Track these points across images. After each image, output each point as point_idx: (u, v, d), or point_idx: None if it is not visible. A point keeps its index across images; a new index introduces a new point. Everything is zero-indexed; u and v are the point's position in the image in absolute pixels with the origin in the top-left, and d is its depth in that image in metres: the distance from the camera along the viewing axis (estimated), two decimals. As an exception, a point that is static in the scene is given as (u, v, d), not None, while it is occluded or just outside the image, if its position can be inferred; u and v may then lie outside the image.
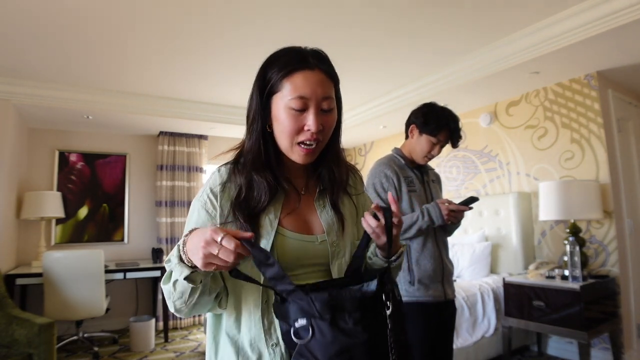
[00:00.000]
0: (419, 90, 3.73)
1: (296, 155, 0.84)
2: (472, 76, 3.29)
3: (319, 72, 0.83)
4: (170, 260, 0.76)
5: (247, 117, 0.89)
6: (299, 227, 0.88)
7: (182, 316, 0.85)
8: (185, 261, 0.72)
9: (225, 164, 0.92)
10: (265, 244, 0.82)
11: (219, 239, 0.64)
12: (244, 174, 0.86)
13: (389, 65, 3.40)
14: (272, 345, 0.80)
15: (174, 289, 0.76)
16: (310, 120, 0.81)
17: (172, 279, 0.76)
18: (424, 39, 2.92)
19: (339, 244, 0.88)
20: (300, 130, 0.82)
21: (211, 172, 0.93)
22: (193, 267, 0.72)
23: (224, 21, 2.59)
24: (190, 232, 0.72)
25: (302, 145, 0.83)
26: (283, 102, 0.82)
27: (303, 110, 0.81)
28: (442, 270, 1.78)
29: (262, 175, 0.85)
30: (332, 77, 0.86)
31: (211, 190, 0.87)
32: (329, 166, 0.92)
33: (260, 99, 0.86)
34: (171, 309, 0.81)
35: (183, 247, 0.72)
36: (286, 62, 0.83)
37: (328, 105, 0.83)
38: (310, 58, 0.83)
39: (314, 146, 0.83)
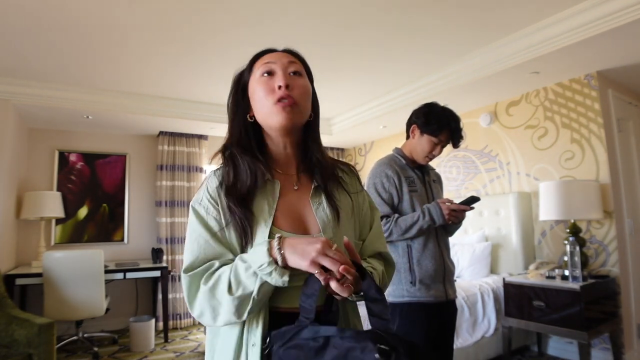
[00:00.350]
0: (419, 90, 3.73)
1: (275, 115, 0.87)
2: (472, 76, 3.29)
3: (286, 53, 0.94)
4: (237, 273, 0.78)
5: (228, 111, 0.96)
6: (295, 226, 0.87)
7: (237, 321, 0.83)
8: (283, 265, 0.76)
9: (219, 167, 0.93)
10: None
11: (332, 246, 0.75)
12: (230, 163, 0.90)
13: (389, 65, 3.40)
14: (252, 345, 0.80)
15: (258, 295, 0.77)
16: (278, 77, 0.88)
17: (256, 286, 0.76)
18: (424, 39, 2.92)
19: (335, 242, 0.87)
20: (272, 90, 0.88)
21: (209, 173, 0.95)
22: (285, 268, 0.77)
23: (224, 21, 2.59)
24: (283, 242, 0.77)
25: (278, 103, 0.87)
26: (255, 78, 0.91)
27: (271, 74, 0.89)
28: (444, 271, 1.78)
29: (242, 158, 0.89)
30: (300, 59, 0.95)
31: (210, 195, 0.87)
32: (311, 150, 0.95)
33: (237, 91, 0.95)
34: (228, 321, 0.80)
35: (280, 252, 0.76)
36: (255, 54, 0.96)
37: (295, 68, 0.91)
38: (277, 49, 0.96)
39: (287, 101, 0.87)
